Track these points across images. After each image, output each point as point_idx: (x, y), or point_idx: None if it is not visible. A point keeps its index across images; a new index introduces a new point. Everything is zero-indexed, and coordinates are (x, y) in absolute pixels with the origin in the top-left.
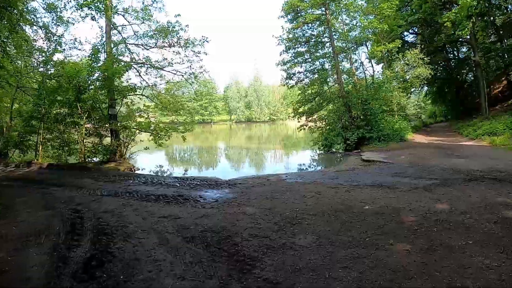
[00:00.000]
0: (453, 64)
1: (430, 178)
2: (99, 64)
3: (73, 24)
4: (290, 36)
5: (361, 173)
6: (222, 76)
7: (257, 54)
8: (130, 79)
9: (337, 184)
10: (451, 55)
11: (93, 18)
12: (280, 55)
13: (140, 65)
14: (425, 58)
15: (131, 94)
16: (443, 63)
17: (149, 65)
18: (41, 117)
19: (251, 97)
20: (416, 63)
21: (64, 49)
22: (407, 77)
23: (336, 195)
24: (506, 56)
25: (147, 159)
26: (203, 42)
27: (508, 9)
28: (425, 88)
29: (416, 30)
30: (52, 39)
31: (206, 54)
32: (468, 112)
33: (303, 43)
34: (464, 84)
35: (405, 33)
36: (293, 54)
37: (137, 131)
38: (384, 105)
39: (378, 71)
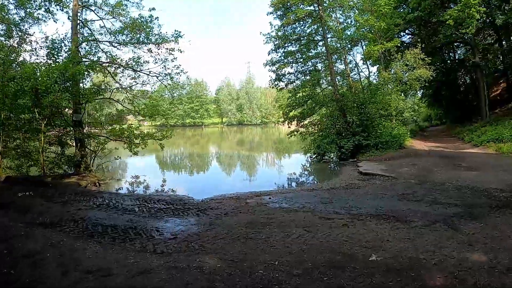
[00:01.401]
0: (449, 66)
1: (447, 203)
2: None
3: (44, 21)
4: (280, 33)
5: (361, 194)
6: (215, 78)
7: (251, 57)
8: (104, 81)
9: (331, 213)
10: (447, 57)
11: (47, 10)
12: (269, 54)
13: (107, 64)
14: (426, 59)
15: (97, 98)
16: (440, 64)
17: (117, 65)
18: (1, 123)
19: (243, 99)
20: (416, 64)
21: (33, 49)
22: (406, 79)
23: (331, 234)
24: (506, 58)
25: (126, 167)
26: (177, 37)
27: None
28: (421, 90)
29: (413, 31)
30: (17, 36)
31: (180, 52)
32: (466, 116)
33: (293, 42)
34: (461, 87)
35: (401, 34)
36: (283, 54)
37: (107, 139)
38: (381, 109)
39: (373, 73)
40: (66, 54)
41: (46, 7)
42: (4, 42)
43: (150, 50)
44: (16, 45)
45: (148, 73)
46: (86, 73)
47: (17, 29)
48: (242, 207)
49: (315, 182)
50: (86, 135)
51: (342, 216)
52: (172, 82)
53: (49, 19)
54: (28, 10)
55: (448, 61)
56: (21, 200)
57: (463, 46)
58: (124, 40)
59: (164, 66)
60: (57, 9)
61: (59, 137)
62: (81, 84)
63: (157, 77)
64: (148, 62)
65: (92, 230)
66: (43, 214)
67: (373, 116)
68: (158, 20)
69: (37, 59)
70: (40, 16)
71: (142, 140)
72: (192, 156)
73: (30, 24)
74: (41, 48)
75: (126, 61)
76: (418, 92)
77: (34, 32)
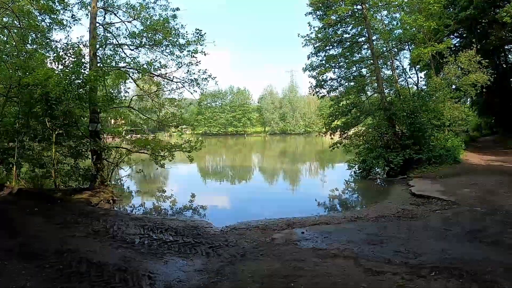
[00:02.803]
0: (502, 70)
1: None
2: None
3: (70, 27)
4: (320, 35)
5: (418, 228)
6: (258, 87)
7: (295, 65)
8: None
9: (381, 262)
10: (498, 61)
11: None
12: (308, 58)
13: (127, 69)
14: (483, 61)
15: (115, 107)
16: (492, 69)
17: (137, 70)
18: (16, 132)
19: (285, 108)
20: (472, 68)
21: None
22: (459, 84)
23: None
24: None
25: (156, 178)
26: (199, 38)
27: None
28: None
29: (461, 33)
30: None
31: (205, 54)
32: None
33: (335, 44)
34: None
35: (451, 36)
36: (324, 58)
37: (128, 151)
38: (433, 119)
39: (422, 78)
40: (83, 60)
41: (71, 12)
42: (24, 47)
43: (172, 53)
44: (34, 50)
45: (171, 79)
46: (102, 79)
47: (41, 34)
48: (266, 244)
49: (360, 206)
50: (104, 147)
51: (396, 268)
52: (199, 89)
53: (74, 24)
54: (52, 16)
55: (500, 66)
56: (22, 218)
57: None
58: (145, 42)
59: (188, 71)
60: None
61: (74, 148)
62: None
63: (182, 83)
64: (166, 67)
65: (74, 268)
66: (30, 240)
67: (425, 127)
68: (185, 25)
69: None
70: (64, 22)
71: (169, 151)
72: (228, 168)
73: (56, 30)
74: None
75: (143, 65)
76: (467, 99)
77: (60, 39)
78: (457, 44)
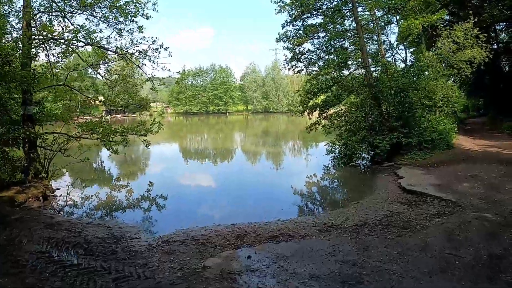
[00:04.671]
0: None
1: None
2: None
3: None
4: (297, 2)
5: (413, 253)
6: (241, 66)
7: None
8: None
9: None
10: (490, 40)
11: None
12: (283, 27)
13: (43, 39)
14: (481, 35)
15: (51, 85)
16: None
17: (64, 40)
18: None
19: (268, 86)
20: (468, 42)
21: None
22: (453, 61)
23: None
24: None
25: (115, 164)
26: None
27: None
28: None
29: (452, 9)
30: None
31: (147, 18)
32: None
33: (315, 13)
34: (507, 75)
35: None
36: (302, 28)
37: (69, 137)
38: (424, 98)
39: (411, 55)
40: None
41: None
42: None
43: (106, 18)
44: None
45: (114, 50)
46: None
47: None
48: (194, 276)
49: (338, 204)
50: (37, 133)
51: None
52: (151, 62)
53: None
54: None
55: (492, 45)
56: None
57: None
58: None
59: (132, 40)
60: None
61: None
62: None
63: (126, 55)
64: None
65: None
66: None
67: (415, 107)
68: None
69: None
70: None
71: (121, 135)
72: (204, 150)
73: None
74: None
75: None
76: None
77: None
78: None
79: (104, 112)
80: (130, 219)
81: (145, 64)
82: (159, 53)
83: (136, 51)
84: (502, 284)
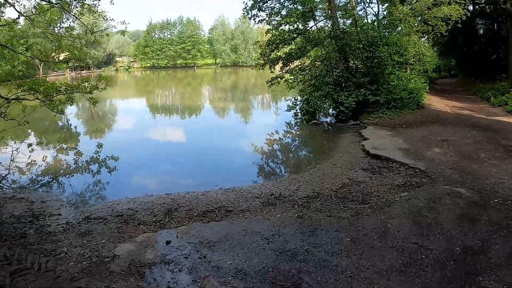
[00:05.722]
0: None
1: None
2: None
3: None
4: None
5: (371, 241)
6: (209, 18)
7: None
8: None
9: None
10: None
11: None
12: None
13: None
14: None
15: None
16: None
17: None
18: None
19: (238, 40)
20: None
21: None
22: (424, 17)
23: None
24: None
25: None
26: None
27: None
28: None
29: None
30: None
31: None
32: (485, 71)
33: None
34: (481, 38)
35: None
36: None
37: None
38: (395, 54)
39: (383, 10)
40: None
41: None
42: None
43: None
44: None
45: None
46: None
47: None
48: (98, 269)
49: (292, 167)
50: None
51: None
52: (87, 10)
53: None
54: None
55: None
56: None
57: None
58: None
59: None
60: None
61: None
62: None
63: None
64: None
65: None
66: None
67: (384, 63)
68: None
69: None
70: None
71: (66, 94)
72: (167, 106)
73: None
74: None
75: None
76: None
77: None
78: None
79: (68, 69)
80: (60, 189)
81: (82, 13)
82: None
83: None
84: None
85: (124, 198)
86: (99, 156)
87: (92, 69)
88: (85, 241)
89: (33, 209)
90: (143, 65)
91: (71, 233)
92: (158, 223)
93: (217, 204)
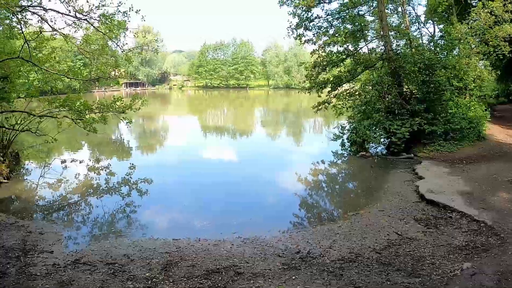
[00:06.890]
0: None
1: None
2: None
3: None
4: None
5: None
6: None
7: None
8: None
9: None
10: None
11: None
12: None
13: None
14: None
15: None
16: None
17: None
18: None
19: (290, 62)
20: (508, 16)
21: None
22: (488, 37)
23: None
24: None
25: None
26: None
27: None
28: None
29: None
30: None
31: None
32: None
33: None
34: None
35: None
36: None
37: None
38: (454, 78)
39: (439, 31)
40: None
41: None
42: None
43: None
44: None
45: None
46: None
47: None
48: None
49: (328, 215)
50: None
51: None
52: (117, 27)
53: None
54: None
55: None
56: None
57: None
58: None
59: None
60: None
61: None
62: None
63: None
64: None
65: None
66: None
67: (442, 88)
68: None
69: None
70: None
71: (100, 111)
72: (212, 130)
73: None
74: None
75: None
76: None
77: None
78: None
79: (123, 85)
80: (65, 220)
81: (110, 30)
82: (129, 16)
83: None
84: None
85: (125, 240)
86: (122, 183)
87: (146, 86)
88: None
89: (27, 242)
90: (196, 84)
91: (51, 280)
92: (149, 281)
93: (227, 261)
